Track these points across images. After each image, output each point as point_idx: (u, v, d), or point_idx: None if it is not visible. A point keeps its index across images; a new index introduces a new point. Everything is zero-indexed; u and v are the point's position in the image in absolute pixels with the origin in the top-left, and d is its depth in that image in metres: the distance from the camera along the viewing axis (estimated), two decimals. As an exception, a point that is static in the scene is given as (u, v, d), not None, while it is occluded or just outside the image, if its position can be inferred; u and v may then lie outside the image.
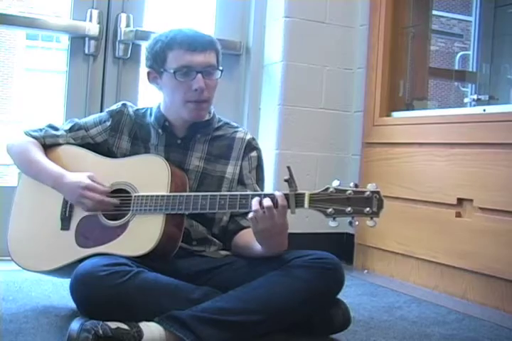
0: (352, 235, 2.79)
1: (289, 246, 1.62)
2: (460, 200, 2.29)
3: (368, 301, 2.15)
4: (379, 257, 2.67)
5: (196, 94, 1.68)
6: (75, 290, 1.53)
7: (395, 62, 2.79)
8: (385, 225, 2.41)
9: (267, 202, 1.50)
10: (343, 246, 2.78)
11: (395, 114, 2.74)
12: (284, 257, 1.62)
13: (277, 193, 1.52)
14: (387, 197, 1.52)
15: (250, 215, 1.53)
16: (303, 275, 1.55)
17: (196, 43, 1.67)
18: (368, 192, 1.48)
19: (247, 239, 1.68)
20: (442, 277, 2.36)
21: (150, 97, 2.28)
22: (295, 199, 1.51)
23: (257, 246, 1.62)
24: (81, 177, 1.67)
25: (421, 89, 3.00)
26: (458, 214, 2.30)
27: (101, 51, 2.64)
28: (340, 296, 1.66)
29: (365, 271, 2.72)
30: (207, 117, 1.81)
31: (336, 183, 1.52)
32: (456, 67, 4.10)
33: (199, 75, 1.67)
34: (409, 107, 2.83)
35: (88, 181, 1.66)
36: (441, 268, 2.37)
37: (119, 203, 1.67)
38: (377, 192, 1.48)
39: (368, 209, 1.47)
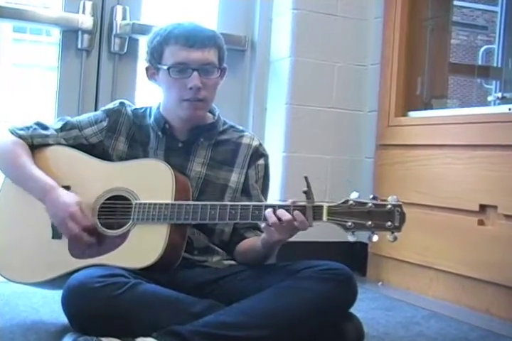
0: (365, 244, 2.79)
1: (297, 256, 1.64)
2: (483, 207, 2.30)
3: (382, 316, 2.16)
4: (394, 268, 2.68)
5: (191, 92, 1.69)
6: (67, 303, 1.55)
7: (412, 57, 2.80)
8: (402, 234, 2.41)
9: (285, 215, 1.53)
10: (356, 256, 2.78)
11: (412, 114, 2.75)
12: (292, 267, 1.63)
13: (296, 213, 1.53)
14: (403, 204, 1.54)
15: (267, 228, 1.55)
16: (312, 287, 1.56)
17: (194, 39, 1.68)
18: (389, 206, 1.51)
19: (247, 244, 1.73)
20: (464, 290, 2.36)
21: (148, 96, 2.30)
22: (313, 212, 1.53)
23: (257, 248, 1.66)
24: (70, 201, 1.66)
25: (440, 86, 3.01)
26: (480, 222, 2.31)
27: (95, 46, 2.66)
28: (352, 310, 1.66)
29: (380, 283, 2.73)
30: (211, 120, 1.82)
31: (354, 195, 1.54)
32: (480, 63, 4.10)
33: (195, 73, 1.68)
34: (427, 106, 2.84)
35: (75, 209, 1.65)
36: (462, 281, 2.37)
37: (118, 212, 1.68)
38: (399, 206, 1.52)
39: (389, 223, 1.50)
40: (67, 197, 1.68)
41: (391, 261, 2.69)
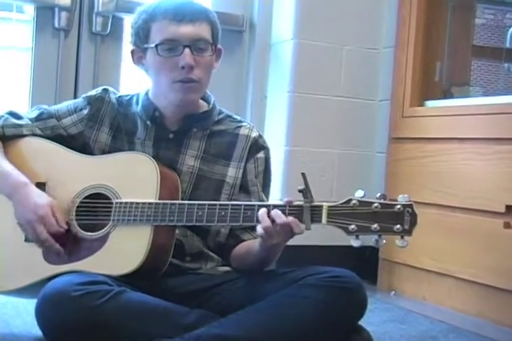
0: (376, 249, 2.80)
1: (300, 262, 1.65)
2: (509, 208, 2.30)
3: (395, 329, 2.17)
4: (409, 276, 2.69)
5: (184, 72, 1.70)
6: (42, 314, 1.56)
7: (430, 39, 2.80)
8: (417, 237, 2.40)
9: (280, 217, 1.52)
10: (366, 262, 2.79)
11: (430, 104, 2.76)
12: (294, 275, 1.65)
13: (290, 218, 1.53)
14: (418, 204, 1.54)
15: (260, 232, 1.55)
16: (316, 297, 1.57)
17: (183, 12, 1.69)
18: (398, 206, 1.50)
19: (246, 247, 1.74)
20: (487, 301, 2.37)
21: (135, 82, 2.30)
22: (311, 213, 1.53)
23: (254, 252, 1.67)
24: (41, 202, 1.67)
25: (462, 72, 3.01)
26: (506, 225, 2.31)
27: (74, 25, 2.66)
28: (361, 323, 1.67)
29: (392, 292, 2.74)
30: (205, 108, 1.83)
31: (359, 194, 1.53)
32: (508, 45, 4.08)
33: (186, 50, 1.69)
34: (446, 95, 2.85)
35: (46, 212, 1.65)
36: (486, 291, 2.37)
37: (97, 212, 1.69)
38: (410, 206, 1.50)
39: (398, 226, 1.49)
40: (38, 196, 1.69)
41: (405, 267, 2.70)
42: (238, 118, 1.90)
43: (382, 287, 2.80)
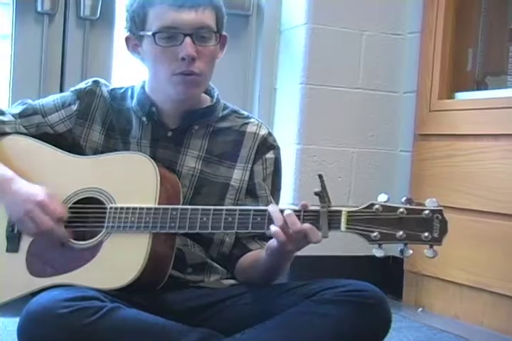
0: (400, 259, 2.81)
1: (314, 274, 1.65)
2: (552, 213, 2.32)
3: (423, 351, 2.19)
4: (438, 290, 2.69)
5: (184, 64, 1.70)
6: (26, 334, 1.56)
7: (461, 23, 2.80)
8: (447, 247, 2.41)
9: (294, 224, 1.52)
10: (389, 274, 2.80)
11: (461, 95, 2.76)
12: (308, 288, 1.65)
13: (307, 225, 1.53)
14: (448, 209, 1.55)
15: (276, 240, 1.55)
16: (333, 314, 1.58)
17: None
18: (426, 211, 1.50)
19: (253, 256, 1.74)
20: (527, 319, 2.38)
21: (128, 73, 2.30)
22: (328, 219, 1.54)
23: (262, 262, 1.67)
24: (37, 190, 1.69)
25: (498, 60, 3.01)
26: (549, 233, 2.33)
27: (59, 9, 2.67)
28: (385, 343, 1.69)
29: (420, 308, 2.75)
30: (208, 103, 1.84)
31: (383, 198, 1.54)
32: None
33: (187, 39, 1.69)
34: (480, 86, 2.85)
35: (44, 198, 1.67)
36: (525, 307, 2.39)
37: (89, 218, 1.71)
38: (440, 212, 1.50)
39: (426, 234, 1.49)
40: (31, 187, 1.71)
41: (434, 281, 2.70)
42: (245, 113, 1.90)
43: (408, 302, 2.81)
